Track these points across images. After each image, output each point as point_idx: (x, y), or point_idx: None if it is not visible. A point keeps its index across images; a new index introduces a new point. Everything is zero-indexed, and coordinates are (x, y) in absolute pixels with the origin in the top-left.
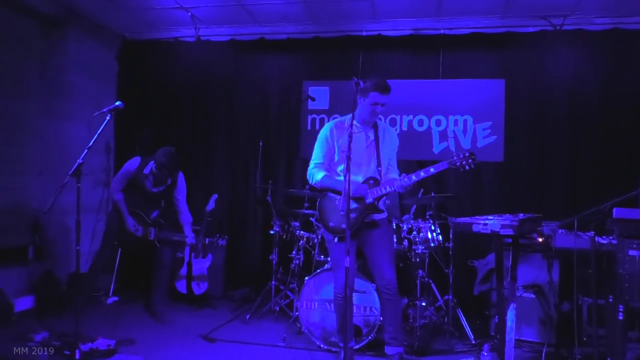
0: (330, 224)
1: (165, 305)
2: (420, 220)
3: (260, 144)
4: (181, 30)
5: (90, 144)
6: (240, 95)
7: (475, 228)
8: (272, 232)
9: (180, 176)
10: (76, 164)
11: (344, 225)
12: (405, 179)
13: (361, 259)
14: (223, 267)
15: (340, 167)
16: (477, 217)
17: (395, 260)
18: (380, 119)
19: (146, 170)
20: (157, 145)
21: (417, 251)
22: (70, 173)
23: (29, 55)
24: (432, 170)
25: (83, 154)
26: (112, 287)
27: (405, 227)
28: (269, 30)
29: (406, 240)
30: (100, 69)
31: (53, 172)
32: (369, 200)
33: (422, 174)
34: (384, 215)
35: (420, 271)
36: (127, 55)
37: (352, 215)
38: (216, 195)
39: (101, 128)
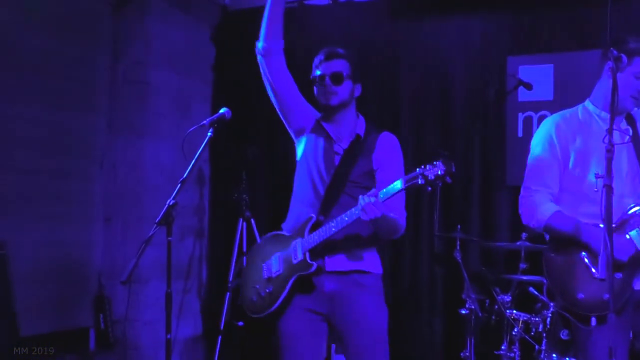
0: (578, 294)
1: None
2: None
3: None
4: None
5: (186, 175)
6: (401, 84)
7: None
8: (463, 311)
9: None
10: (166, 206)
11: (606, 296)
12: None
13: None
14: None
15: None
16: None
17: None
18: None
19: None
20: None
21: None
22: (157, 220)
23: (96, 45)
24: None
25: (175, 191)
26: None
27: None
28: None
29: None
30: (189, 57)
31: (125, 217)
32: None
33: None
34: None
35: None
36: (229, 33)
37: (617, 277)
38: None
39: (200, 149)
